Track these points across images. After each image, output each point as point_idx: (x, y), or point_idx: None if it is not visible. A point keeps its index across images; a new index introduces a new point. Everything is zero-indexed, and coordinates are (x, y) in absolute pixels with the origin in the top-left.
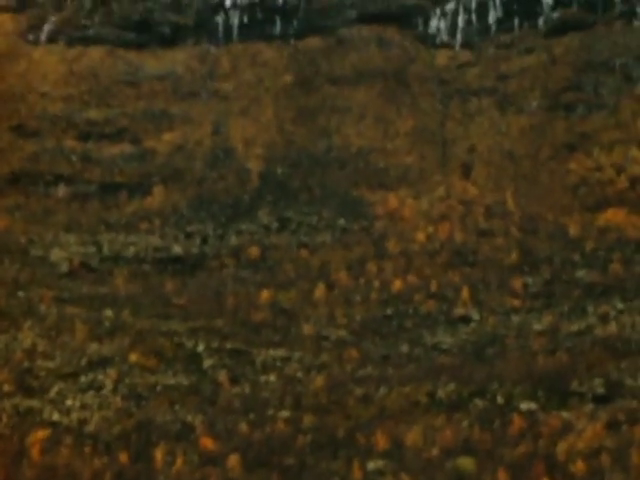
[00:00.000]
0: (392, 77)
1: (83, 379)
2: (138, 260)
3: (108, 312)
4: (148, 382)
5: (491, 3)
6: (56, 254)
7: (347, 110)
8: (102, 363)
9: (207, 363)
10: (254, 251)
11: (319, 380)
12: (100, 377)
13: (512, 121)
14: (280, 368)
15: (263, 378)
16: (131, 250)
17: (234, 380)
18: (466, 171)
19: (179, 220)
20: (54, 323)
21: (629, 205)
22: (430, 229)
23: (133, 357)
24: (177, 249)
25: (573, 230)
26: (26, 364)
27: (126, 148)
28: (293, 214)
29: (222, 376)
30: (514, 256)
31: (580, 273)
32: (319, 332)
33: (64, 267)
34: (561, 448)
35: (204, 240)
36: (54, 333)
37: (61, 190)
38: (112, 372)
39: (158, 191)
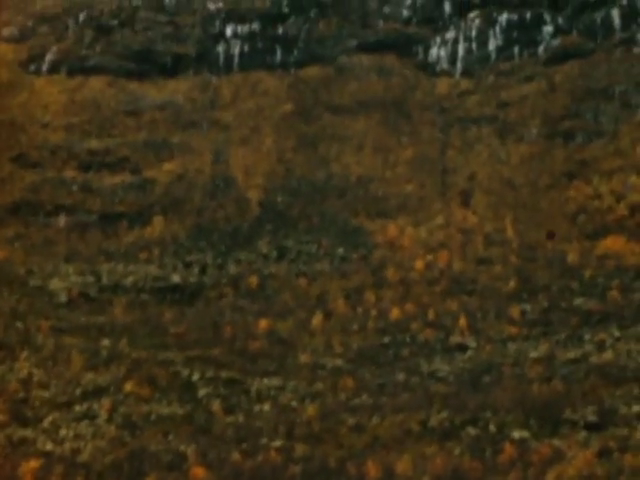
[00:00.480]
0: (392, 106)
1: (77, 408)
2: (137, 289)
3: (105, 342)
4: (142, 411)
5: (491, 31)
6: (55, 284)
7: (347, 139)
8: (97, 392)
9: (202, 392)
10: (253, 280)
11: (312, 409)
12: (94, 406)
13: (512, 149)
14: (274, 397)
15: (257, 407)
16: (130, 279)
17: (228, 409)
18: (466, 199)
19: (178, 249)
20: (51, 353)
21: (628, 232)
22: (429, 257)
23: (128, 386)
24: (176, 278)
25: (572, 258)
26: (21, 394)
27: (126, 178)
28: (292, 243)
29: (216, 405)
30: (512, 284)
31: (578, 301)
32: (315, 361)
33: (63, 297)
34: (551, 476)
35: (203, 269)
36: (50, 363)
37: (61, 220)
38: (106, 401)
39: (158, 221)
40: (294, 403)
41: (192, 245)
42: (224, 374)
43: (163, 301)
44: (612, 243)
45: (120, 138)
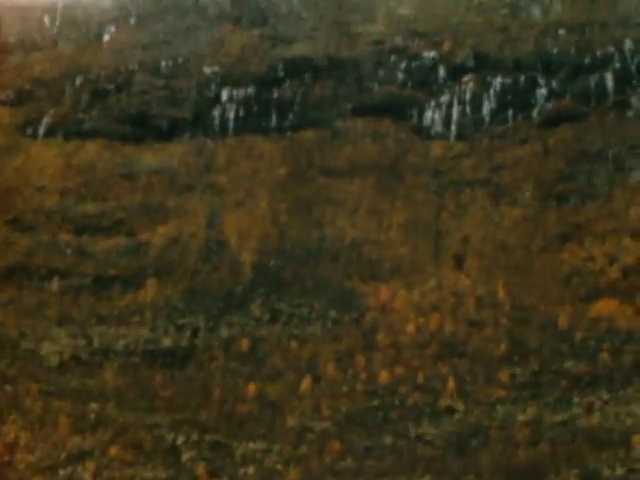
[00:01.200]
0: (386, 169)
1: (62, 472)
2: (128, 353)
3: (93, 405)
4: (126, 475)
5: (485, 95)
6: (46, 347)
7: (341, 202)
8: (82, 456)
9: (186, 456)
10: (244, 343)
11: (296, 473)
12: (79, 470)
13: (505, 212)
14: (259, 460)
15: (242, 471)
16: (121, 343)
17: (212, 473)
18: (459, 262)
19: (171, 313)
20: (38, 416)
21: (621, 295)
22: (421, 320)
23: (113, 450)
24: (167, 342)
25: (563, 320)
26: (6, 457)
27: (121, 241)
28: (285, 306)
29: (200, 469)
30: (503, 347)
31: (569, 363)
32: (303, 424)
33: (54, 360)
34: None
35: (195, 333)
36: (37, 426)
37: (55, 284)
38: (91, 465)
39: (151, 284)
40: (279, 466)
41: (185, 308)
42: (209, 437)
43: (154, 364)
44: (604, 306)
45: (115, 201)
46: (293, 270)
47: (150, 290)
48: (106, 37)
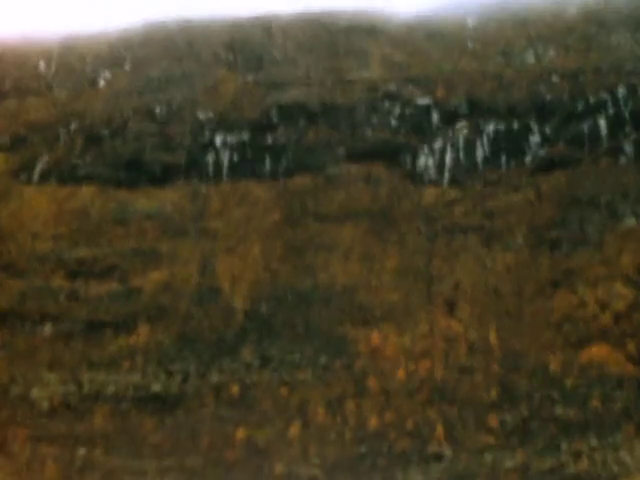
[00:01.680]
0: (379, 215)
1: None
2: (117, 398)
3: (81, 450)
4: None
5: (478, 141)
6: (37, 393)
7: (334, 247)
8: None
9: None
10: (234, 389)
11: None
12: None
13: (497, 258)
14: None
15: None
16: (111, 388)
17: None
18: (450, 308)
19: (162, 358)
20: (26, 462)
21: (612, 341)
22: (411, 366)
23: None
24: (157, 387)
25: (554, 366)
26: None
27: (113, 286)
28: (276, 351)
29: None
30: (493, 393)
31: (558, 410)
32: (291, 470)
33: (44, 405)
34: None
35: (185, 378)
36: (24, 472)
37: (47, 329)
38: None
39: (143, 329)
40: None
41: (176, 353)
42: None
43: (143, 410)
44: (596, 352)
45: (108, 247)
46: (285, 315)
47: (142, 335)
48: (101, 82)
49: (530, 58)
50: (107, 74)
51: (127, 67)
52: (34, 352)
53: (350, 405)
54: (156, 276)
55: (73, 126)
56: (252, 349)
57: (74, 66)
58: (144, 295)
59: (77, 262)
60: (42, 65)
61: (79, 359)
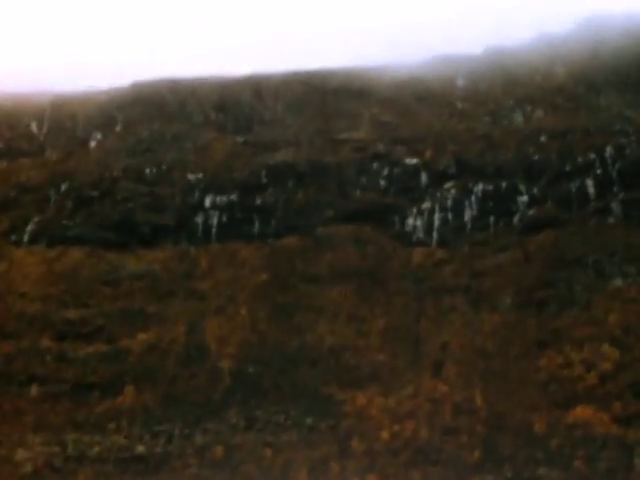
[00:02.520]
0: (367, 275)
1: None
2: (101, 460)
3: None
4: None
5: (467, 202)
6: (21, 454)
7: (321, 308)
8: None
9: None
10: (219, 451)
11: None
12: None
13: (485, 318)
14: None
15: None
16: (95, 450)
17: None
18: (437, 369)
19: (147, 419)
20: None
21: (598, 402)
22: (395, 427)
23: None
24: (141, 449)
25: (539, 427)
26: None
27: (101, 347)
28: (261, 413)
29: None
30: (477, 454)
31: (542, 470)
32: None
33: (28, 467)
34: None
35: (169, 439)
36: None
37: (34, 390)
38: None
39: (129, 390)
40: None
41: (161, 415)
42: None
43: (127, 471)
44: (581, 412)
45: (96, 308)
46: (271, 377)
47: (128, 397)
48: (92, 143)
49: (519, 118)
50: (98, 135)
51: (118, 128)
52: (20, 414)
53: (334, 467)
54: (144, 337)
55: (63, 187)
56: (237, 410)
57: (65, 127)
58: (131, 356)
59: (65, 323)
60: (34, 126)
61: (64, 420)
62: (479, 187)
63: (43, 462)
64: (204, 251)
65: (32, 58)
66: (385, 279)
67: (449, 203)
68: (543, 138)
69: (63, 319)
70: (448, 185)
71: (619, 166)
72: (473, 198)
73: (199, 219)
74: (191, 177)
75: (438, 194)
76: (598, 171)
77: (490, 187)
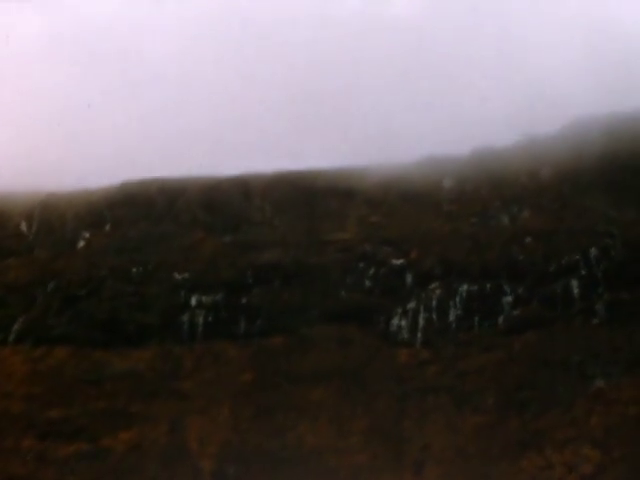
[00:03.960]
0: (351, 375)
1: None
2: None
3: None
4: None
5: (451, 302)
6: None
7: (304, 409)
8: None
9: None
10: None
11: None
12: None
13: (467, 419)
14: None
15: None
16: None
17: None
18: (418, 469)
19: None
20: None
21: None
22: None
23: None
24: None
25: None
26: None
27: (82, 447)
28: None
29: None
30: None
31: None
32: None
33: None
34: None
35: None
36: None
37: None
38: None
39: None
40: None
41: None
42: None
43: None
44: None
45: (80, 407)
46: (252, 477)
47: None
48: (81, 243)
49: (505, 219)
50: (87, 234)
51: (107, 227)
52: None
53: None
54: (125, 436)
55: (51, 286)
56: None
57: (55, 226)
58: (112, 456)
59: (48, 423)
60: (24, 225)
61: None
62: (464, 287)
63: None
64: (189, 350)
65: (22, 158)
66: (369, 379)
67: (434, 303)
68: (528, 239)
69: (46, 418)
70: (433, 285)
71: (604, 267)
72: (458, 298)
73: (185, 318)
74: (177, 276)
75: (423, 294)
76: (583, 272)
77: (475, 287)
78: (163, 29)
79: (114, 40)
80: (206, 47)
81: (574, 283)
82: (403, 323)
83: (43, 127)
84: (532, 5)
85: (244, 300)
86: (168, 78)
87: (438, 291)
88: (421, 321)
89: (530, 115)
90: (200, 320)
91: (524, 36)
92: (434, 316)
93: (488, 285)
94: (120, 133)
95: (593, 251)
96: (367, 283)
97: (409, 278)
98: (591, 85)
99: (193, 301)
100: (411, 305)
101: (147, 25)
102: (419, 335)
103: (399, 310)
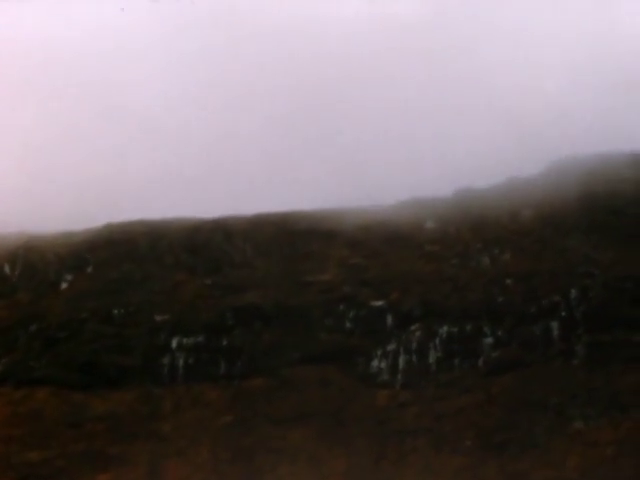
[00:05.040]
0: (330, 417)
1: None
2: None
3: None
4: None
5: (431, 344)
6: None
7: (283, 450)
8: None
9: None
10: None
11: None
12: None
13: (446, 460)
14: None
15: None
16: None
17: None
18: None
19: None
20: None
21: None
22: None
23: None
24: None
25: None
26: None
27: None
28: None
29: None
30: None
31: None
32: None
33: None
34: None
35: None
36: None
37: None
38: None
39: None
40: None
41: None
42: None
43: None
44: None
45: (58, 449)
46: None
47: None
48: (63, 285)
49: (485, 261)
50: (69, 276)
51: (89, 269)
52: None
53: None
54: (104, 478)
55: (32, 328)
56: None
57: (38, 268)
58: None
59: (26, 465)
60: (7, 268)
61: None
62: (444, 329)
63: None
64: (169, 392)
65: (5, 200)
66: (348, 420)
67: (414, 345)
68: (509, 280)
69: (24, 461)
70: (413, 327)
71: (584, 308)
72: (438, 340)
73: (165, 360)
74: (158, 318)
75: (403, 336)
76: (563, 313)
77: (455, 329)
78: (146, 79)
79: (99, 82)
80: (187, 90)
81: (554, 325)
82: (383, 365)
83: (24, 169)
84: (515, 49)
85: (225, 342)
86: (153, 125)
87: (418, 333)
88: (401, 363)
89: (512, 156)
90: (180, 362)
91: (505, 81)
92: (414, 358)
93: (468, 327)
94: (101, 175)
95: (573, 292)
96: (347, 324)
97: (389, 319)
98: (573, 127)
99: (174, 343)
100: (391, 347)
101: (130, 77)
102: (399, 377)
103: (379, 352)
